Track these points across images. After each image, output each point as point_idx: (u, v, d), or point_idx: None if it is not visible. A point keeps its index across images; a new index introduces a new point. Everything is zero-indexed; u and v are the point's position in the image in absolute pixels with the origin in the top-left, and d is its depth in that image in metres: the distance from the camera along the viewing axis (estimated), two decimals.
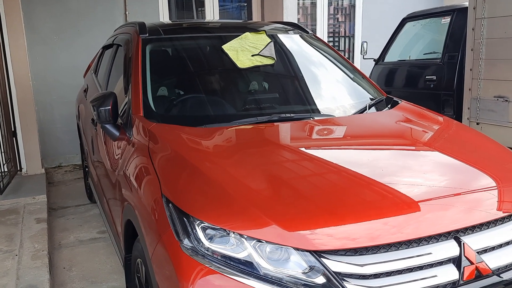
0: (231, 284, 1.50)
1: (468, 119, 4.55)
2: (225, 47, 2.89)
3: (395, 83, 5.75)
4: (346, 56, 7.82)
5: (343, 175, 1.87)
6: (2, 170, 4.51)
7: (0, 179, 4.41)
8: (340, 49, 7.80)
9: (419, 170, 1.96)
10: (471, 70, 4.45)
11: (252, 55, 2.90)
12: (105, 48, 4.03)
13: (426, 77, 5.18)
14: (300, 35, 3.32)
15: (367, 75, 6.18)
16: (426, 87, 5.20)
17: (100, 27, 5.69)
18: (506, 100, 4.15)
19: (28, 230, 3.61)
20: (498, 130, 4.23)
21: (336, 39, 7.82)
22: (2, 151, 4.57)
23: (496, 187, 1.84)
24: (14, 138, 5.02)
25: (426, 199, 1.69)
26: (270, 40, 3.00)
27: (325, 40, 7.50)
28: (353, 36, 7.72)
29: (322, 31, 7.43)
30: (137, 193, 2.02)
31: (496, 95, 4.24)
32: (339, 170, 1.91)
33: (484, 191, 1.80)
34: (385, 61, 5.97)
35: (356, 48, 7.68)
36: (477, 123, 4.44)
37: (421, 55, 5.57)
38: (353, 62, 7.78)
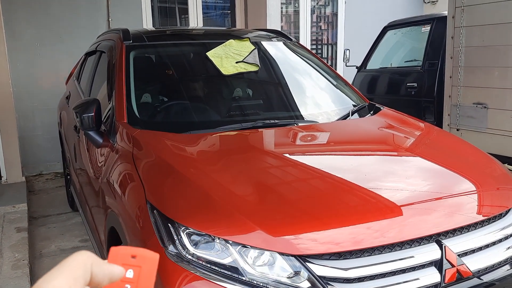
0: None
1: (448, 125, 4.64)
2: (210, 54, 2.90)
3: (377, 90, 5.84)
4: (329, 63, 7.92)
5: (327, 180, 1.89)
6: None
7: None
8: (323, 56, 7.89)
9: (401, 175, 2.00)
10: (450, 77, 4.55)
11: (236, 62, 2.91)
12: (88, 54, 4.00)
13: (407, 84, 5.28)
14: (283, 43, 3.36)
15: (350, 82, 6.27)
16: (408, 94, 5.29)
17: (83, 33, 5.65)
18: (485, 107, 4.25)
19: (8, 239, 3.53)
20: (477, 136, 4.32)
21: (319, 46, 7.91)
22: None
23: (475, 192, 1.88)
24: None
25: (408, 203, 1.72)
26: (254, 47, 3.02)
27: (308, 47, 7.57)
28: (336, 43, 7.82)
29: (305, 39, 7.51)
30: (121, 200, 2.01)
31: (475, 102, 4.34)
32: (323, 175, 1.93)
33: (464, 195, 1.84)
34: (367, 68, 6.06)
35: (338, 56, 7.79)
36: (457, 129, 4.53)
37: (402, 62, 5.67)
38: (335, 70, 7.88)
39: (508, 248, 1.77)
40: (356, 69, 6.23)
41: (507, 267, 1.74)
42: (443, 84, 4.70)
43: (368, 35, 6.81)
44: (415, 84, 5.20)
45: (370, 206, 1.70)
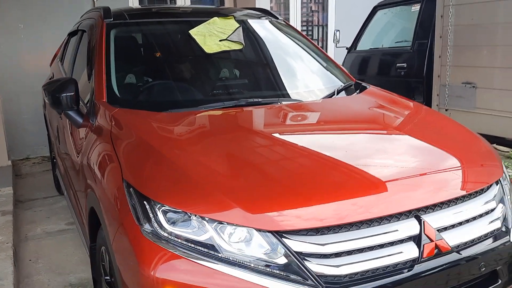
0: (193, 268, 1.47)
1: (437, 105, 4.63)
2: (193, 32, 2.84)
3: (367, 71, 5.80)
4: (320, 45, 7.84)
5: (308, 157, 1.87)
6: None
7: None
8: (314, 38, 7.80)
9: (383, 151, 1.97)
10: (440, 57, 4.52)
11: (220, 40, 2.85)
12: (71, 34, 3.92)
13: (397, 64, 5.24)
14: (270, 21, 3.29)
15: (340, 63, 6.22)
16: (397, 75, 5.26)
17: (68, 14, 5.51)
18: (473, 86, 4.23)
19: None
20: (466, 116, 4.31)
21: (310, 28, 7.82)
22: None
23: (456, 168, 1.86)
24: None
25: (389, 179, 1.69)
26: (239, 25, 2.96)
27: (299, 29, 7.49)
28: (327, 25, 7.73)
29: (295, 20, 7.42)
30: (99, 178, 1.97)
31: (464, 81, 4.33)
32: (304, 152, 1.91)
33: (445, 171, 1.82)
34: (357, 49, 6.01)
35: (329, 37, 7.70)
36: (446, 110, 4.52)
37: (392, 43, 5.62)
38: (326, 51, 7.81)
39: (488, 223, 1.76)
40: (346, 50, 6.17)
41: (487, 241, 1.73)
42: (432, 64, 4.67)
43: (359, 16, 6.71)
44: (405, 65, 5.16)
45: (349, 182, 1.68)
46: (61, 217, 3.93)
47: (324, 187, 1.64)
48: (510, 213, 1.86)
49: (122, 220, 1.65)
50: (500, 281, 1.75)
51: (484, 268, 1.69)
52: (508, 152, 4.05)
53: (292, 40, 3.21)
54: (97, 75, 2.48)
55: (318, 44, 7.82)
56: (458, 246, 1.66)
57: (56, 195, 4.44)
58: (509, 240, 1.77)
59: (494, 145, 4.85)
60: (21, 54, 5.49)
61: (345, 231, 1.52)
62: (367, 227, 1.55)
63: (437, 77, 4.56)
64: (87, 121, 2.40)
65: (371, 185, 1.66)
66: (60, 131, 3.25)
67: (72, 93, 2.35)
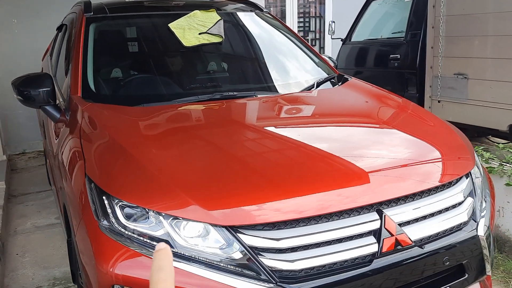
0: (148, 263, 1.47)
1: (430, 97, 4.56)
2: (172, 25, 2.82)
3: (362, 62, 5.73)
4: (317, 36, 7.77)
5: (272, 152, 1.85)
6: None
7: None
8: (311, 29, 7.73)
9: (349, 144, 1.93)
10: (432, 47, 4.45)
11: (200, 33, 2.83)
12: (58, 29, 3.93)
13: (391, 56, 5.17)
14: (255, 13, 3.26)
15: (336, 55, 6.15)
16: (391, 66, 5.19)
17: (60, 8, 5.48)
18: (465, 77, 4.16)
19: None
20: (458, 107, 4.25)
21: (307, 19, 7.75)
22: None
23: (423, 161, 1.83)
24: None
25: (352, 173, 1.67)
26: (220, 18, 2.94)
27: (295, 21, 7.42)
28: (324, 16, 7.65)
29: (292, 12, 7.35)
30: (68, 174, 1.98)
31: (456, 72, 4.25)
32: (268, 147, 1.89)
33: (411, 165, 1.79)
34: (352, 40, 5.94)
35: (326, 29, 7.62)
36: (439, 101, 4.45)
37: (386, 34, 5.54)
38: (323, 43, 7.75)
39: (454, 216, 1.73)
40: (341, 42, 6.10)
41: (453, 235, 1.70)
42: (425, 55, 4.60)
43: (357, 8, 6.63)
44: (398, 56, 5.09)
45: (309, 176, 1.65)
46: (51, 211, 3.96)
47: (282, 182, 1.62)
48: (479, 206, 1.83)
49: (82, 215, 1.65)
50: (467, 275, 1.73)
51: (448, 262, 1.66)
52: (500, 144, 3.99)
53: (275, 32, 3.18)
54: (73, 69, 2.48)
55: (315, 36, 7.75)
56: (422, 240, 1.63)
57: (48, 189, 4.47)
58: (476, 234, 1.74)
59: (489, 136, 4.78)
60: (15, 49, 5.51)
61: (303, 226, 1.50)
62: (326, 221, 1.53)
63: (429, 68, 4.49)
64: (64, 116, 2.40)
65: (333, 179, 1.64)
66: (45, 126, 3.27)
67: (48, 88, 2.36)
